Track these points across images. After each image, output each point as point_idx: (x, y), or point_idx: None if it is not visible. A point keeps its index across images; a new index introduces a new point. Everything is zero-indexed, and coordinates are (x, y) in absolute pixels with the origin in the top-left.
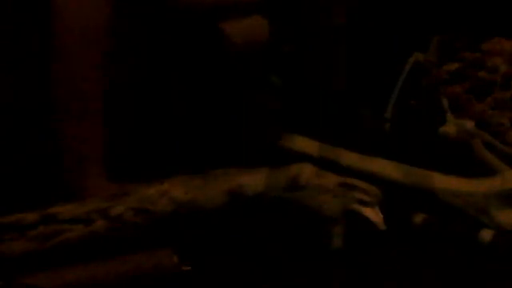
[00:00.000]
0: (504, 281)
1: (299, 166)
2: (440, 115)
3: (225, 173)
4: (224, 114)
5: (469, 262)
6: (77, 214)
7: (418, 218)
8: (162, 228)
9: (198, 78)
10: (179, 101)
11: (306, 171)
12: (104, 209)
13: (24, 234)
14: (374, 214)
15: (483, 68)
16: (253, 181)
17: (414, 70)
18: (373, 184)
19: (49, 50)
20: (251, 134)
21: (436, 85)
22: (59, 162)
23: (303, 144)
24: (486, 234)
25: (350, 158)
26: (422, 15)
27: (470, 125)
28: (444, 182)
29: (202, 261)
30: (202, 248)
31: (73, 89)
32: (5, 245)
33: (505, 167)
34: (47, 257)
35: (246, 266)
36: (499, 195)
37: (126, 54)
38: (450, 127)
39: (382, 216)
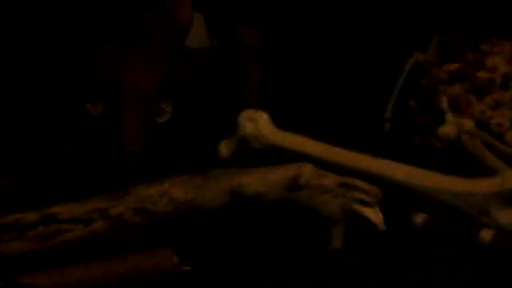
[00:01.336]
0: (504, 281)
1: (299, 166)
2: (440, 115)
3: (225, 173)
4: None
5: (469, 261)
6: (77, 214)
7: (418, 218)
8: (162, 228)
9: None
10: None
11: (306, 171)
12: (104, 209)
13: (24, 233)
14: (374, 214)
15: (483, 68)
16: (253, 181)
17: (413, 70)
18: (372, 184)
19: None
20: None
21: (436, 85)
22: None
23: (296, 142)
24: (486, 234)
25: (346, 158)
26: (422, 15)
27: (469, 125)
28: (444, 182)
29: (202, 261)
30: (201, 248)
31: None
32: (4, 245)
33: (505, 167)
34: (47, 257)
35: (245, 266)
36: (499, 195)
37: None
38: (449, 127)
39: (382, 216)
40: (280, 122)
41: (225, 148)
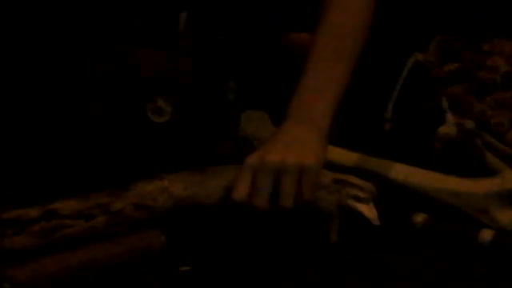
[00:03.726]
0: (504, 281)
1: None
2: (440, 115)
3: (223, 169)
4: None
5: (469, 261)
6: (78, 210)
7: (418, 218)
8: (161, 223)
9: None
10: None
11: None
12: (104, 204)
13: (26, 228)
14: (368, 210)
15: (483, 68)
16: None
17: (413, 70)
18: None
19: None
20: None
21: (436, 85)
22: None
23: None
24: (486, 234)
25: (346, 157)
26: (422, 15)
27: (469, 125)
28: (444, 182)
29: (202, 261)
30: (201, 248)
31: None
32: (7, 239)
33: (505, 167)
34: (49, 251)
35: (245, 265)
36: (499, 195)
37: None
38: (449, 127)
39: (376, 212)
40: (280, 122)
41: (225, 147)
